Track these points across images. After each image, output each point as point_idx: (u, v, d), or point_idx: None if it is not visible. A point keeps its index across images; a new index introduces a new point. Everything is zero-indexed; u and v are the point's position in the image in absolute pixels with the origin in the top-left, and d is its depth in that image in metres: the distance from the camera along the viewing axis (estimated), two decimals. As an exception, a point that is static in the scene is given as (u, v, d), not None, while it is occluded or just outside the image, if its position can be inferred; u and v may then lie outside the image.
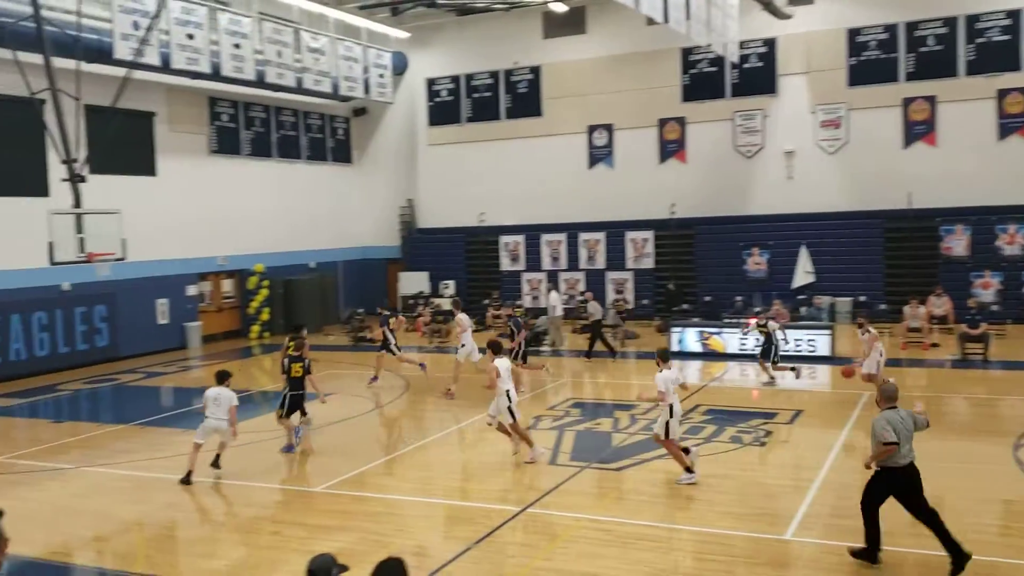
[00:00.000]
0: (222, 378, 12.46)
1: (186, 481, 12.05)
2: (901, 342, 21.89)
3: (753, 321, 19.31)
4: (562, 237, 30.64)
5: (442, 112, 32.85)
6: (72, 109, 17.53)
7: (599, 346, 21.90)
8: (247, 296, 28.77)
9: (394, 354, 19.11)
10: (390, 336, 19.09)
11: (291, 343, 14.18)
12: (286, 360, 13.71)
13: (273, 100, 29.53)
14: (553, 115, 31.09)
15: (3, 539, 3.11)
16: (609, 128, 30.32)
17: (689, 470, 11.35)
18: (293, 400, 13.45)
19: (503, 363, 12.75)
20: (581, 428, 14.69)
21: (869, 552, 8.48)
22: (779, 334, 18.40)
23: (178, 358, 24.63)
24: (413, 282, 31.96)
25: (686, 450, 11.63)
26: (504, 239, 31.56)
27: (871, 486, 8.54)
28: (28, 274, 21.27)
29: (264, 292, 28.72)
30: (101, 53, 20.33)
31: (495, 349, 13.01)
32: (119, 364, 23.46)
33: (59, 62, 17.91)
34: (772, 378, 18.13)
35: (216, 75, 23.85)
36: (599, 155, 30.57)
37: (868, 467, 8.60)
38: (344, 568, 5.76)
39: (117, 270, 19.53)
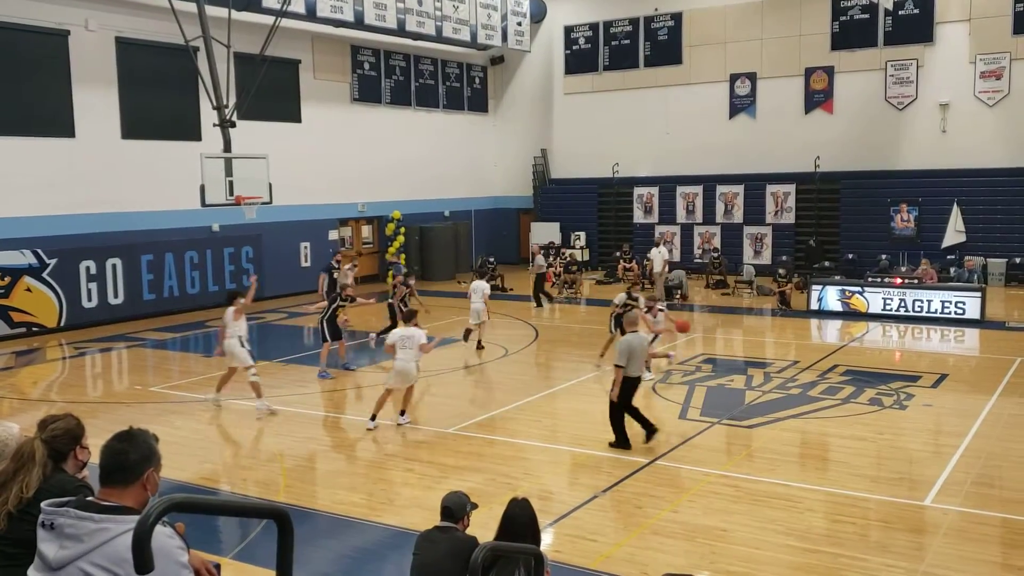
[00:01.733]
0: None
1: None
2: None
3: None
4: (698, 189, 29.99)
5: (579, 60, 32.50)
6: (223, 57, 18.18)
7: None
8: (385, 242, 29.52)
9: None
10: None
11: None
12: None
13: (413, 49, 29.84)
14: (693, 63, 30.29)
15: (159, 460, 3.41)
16: (752, 77, 29.33)
17: (373, 417, 11.99)
18: None
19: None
20: (712, 384, 14.50)
21: (622, 441, 10.87)
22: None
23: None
24: (544, 232, 32.01)
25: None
26: (638, 191, 31.13)
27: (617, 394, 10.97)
28: (181, 215, 22.44)
29: (400, 239, 29.38)
30: (250, 1, 21.00)
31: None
32: (264, 304, 24.43)
33: (211, 10, 18.55)
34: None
35: (359, 23, 24.27)
36: (740, 105, 29.65)
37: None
38: (475, 506, 6.00)
39: (263, 213, 20.24)
